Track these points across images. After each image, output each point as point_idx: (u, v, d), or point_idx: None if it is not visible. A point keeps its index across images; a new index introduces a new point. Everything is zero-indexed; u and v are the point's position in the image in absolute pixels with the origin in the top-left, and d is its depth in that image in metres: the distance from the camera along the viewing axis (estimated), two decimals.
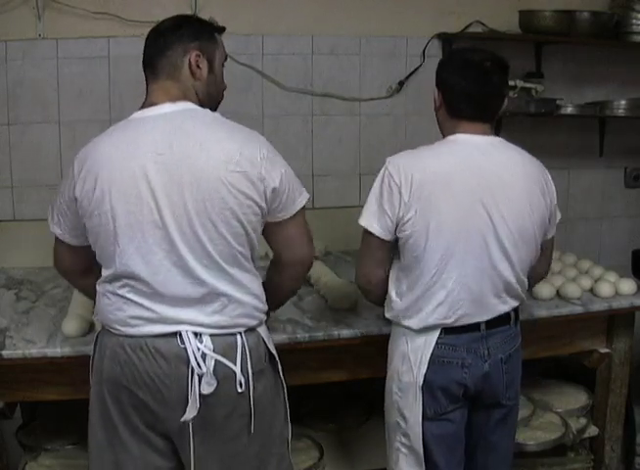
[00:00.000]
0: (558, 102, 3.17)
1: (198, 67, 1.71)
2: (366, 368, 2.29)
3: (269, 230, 1.76)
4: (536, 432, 2.58)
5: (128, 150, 1.62)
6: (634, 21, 3.14)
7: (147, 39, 1.74)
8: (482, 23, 3.14)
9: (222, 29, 1.83)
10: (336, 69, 3.09)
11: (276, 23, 2.98)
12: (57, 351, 2.02)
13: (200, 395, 1.65)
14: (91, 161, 1.64)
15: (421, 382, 1.91)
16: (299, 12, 3.00)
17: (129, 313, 1.67)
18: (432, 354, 1.90)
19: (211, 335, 1.68)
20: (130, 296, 1.67)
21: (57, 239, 1.80)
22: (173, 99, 1.68)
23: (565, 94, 3.27)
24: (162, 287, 1.65)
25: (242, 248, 1.68)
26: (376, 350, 2.19)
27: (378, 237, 1.90)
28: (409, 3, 3.09)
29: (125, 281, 1.67)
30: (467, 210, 1.85)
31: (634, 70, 3.40)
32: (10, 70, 2.79)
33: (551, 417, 2.68)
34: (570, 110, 3.20)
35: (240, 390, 1.68)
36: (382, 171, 1.90)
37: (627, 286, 2.53)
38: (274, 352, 1.82)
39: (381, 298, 2.05)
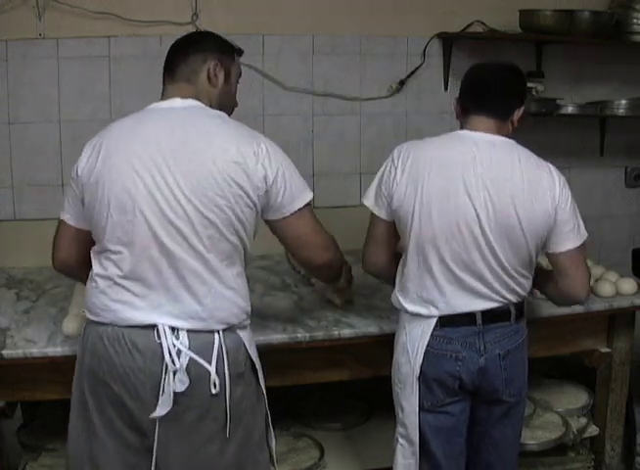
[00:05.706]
0: (558, 101, 3.17)
1: (215, 75, 1.81)
2: (366, 368, 2.29)
3: (273, 228, 1.79)
4: (537, 431, 2.58)
5: (135, 133, 1.71)
6: (634, 20, 3.13)
7: (171, 47, 1.84)
8: (483, 23, 3.14)
9: (241, 52, 1.95)
10: (336, 68, 3.09)
11: (276, 22, 2.98)
12: (57, 350, 2.02)
13: (173, 393, 1.64)
14: (100, 139, 1.75)
15: (417, 373, 1.94)
16: (299, 12, 3.00)
17: (112, 297, 1.69)
18: (427, 346, 1.93)
19: (189, 331, 1.68)
20: (115, 278, 1.68)
21: (61, 226, 1.83)
22: (184, 96, 1.77)
23: (565, 94, 3.27)
24: (146, 265, 1.67)
25: (233, 237, 1.69)
26: (376, 349, 2.19)
27: (376, 215, 2.01)
28: (409, 3, 3.09)
29: (111, 257, 1.69)
30: (452, 197, 1.88)
31: (634, 69, 3.39)
32: (10, 70, 2.78)
33: (551, 417, 2.68)
34: (570, 109, 3.20)
35: (214, 391, 1.67)
36: (388, 157, 2.00)
37: (628, 285, 2.53)
38: (255, 358, 1.80)
39: (391, 280, 2.08)
